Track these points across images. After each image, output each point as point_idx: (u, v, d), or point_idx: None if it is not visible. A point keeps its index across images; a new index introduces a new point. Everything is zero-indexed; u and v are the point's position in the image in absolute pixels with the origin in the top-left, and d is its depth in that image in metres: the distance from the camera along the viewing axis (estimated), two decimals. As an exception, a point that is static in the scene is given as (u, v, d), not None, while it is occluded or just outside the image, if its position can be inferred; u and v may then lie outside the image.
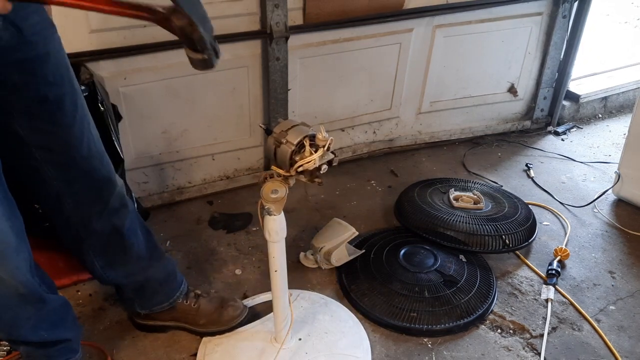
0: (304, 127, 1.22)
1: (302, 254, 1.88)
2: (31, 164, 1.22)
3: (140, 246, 1.46)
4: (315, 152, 1.20)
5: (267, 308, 1.67)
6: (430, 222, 1.95)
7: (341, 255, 1.81)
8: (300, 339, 1.56)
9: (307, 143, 1.20)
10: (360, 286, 1.75)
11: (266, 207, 1.25)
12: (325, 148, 1.21)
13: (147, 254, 1.48)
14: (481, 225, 1.92)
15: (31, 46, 1.10)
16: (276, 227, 1.30)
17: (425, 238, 1.93)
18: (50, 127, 1.18)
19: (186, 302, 1.57)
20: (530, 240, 1.96)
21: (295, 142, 1.20)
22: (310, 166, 1.20)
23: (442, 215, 1.97)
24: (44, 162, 1.22)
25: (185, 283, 1.60)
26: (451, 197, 2.08)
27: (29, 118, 1.15)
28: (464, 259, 1.85)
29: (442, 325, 1.62)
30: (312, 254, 1.86)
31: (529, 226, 1.98)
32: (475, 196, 2.09)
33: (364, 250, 1.86)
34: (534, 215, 2.07)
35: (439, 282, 1.74)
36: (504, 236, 1.90)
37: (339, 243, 1.80)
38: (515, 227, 1.94)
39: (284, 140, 1.21)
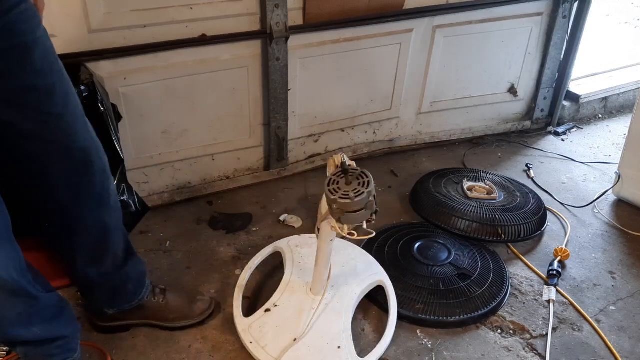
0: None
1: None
2: (26, 155, 1.22)
3: (120, 246, 1.47)
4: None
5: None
6: (447, 213, 2.01)
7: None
8: (332, 285, 1.63)
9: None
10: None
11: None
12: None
13: (123, 254, 1.49)
14: (497, 215, 1.98)
15: (15, 34, 1.08)
16: None
17: (442, 228, 1.99)
18: (42, 117, 1.17)
19: (154, 298, 1.58)
20: (542, 229, 2.04)
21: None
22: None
23: (458, 206, 2.02)
24: (39, 152, 1.22)
25: (149, 280, 1.61)
26: (465, 187, 2.11)
27: (18, 107, 1.14)
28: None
29: (457, 318, 1.64)
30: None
31: (541, 216, 2.06)
32: (488, 186, 2.14)
33: None
34: (544, 204, 2.14)
35: (453, 275, 1.75)
36: (518, 226, 1.97)
37: None
38: (530, 217, 2.02)
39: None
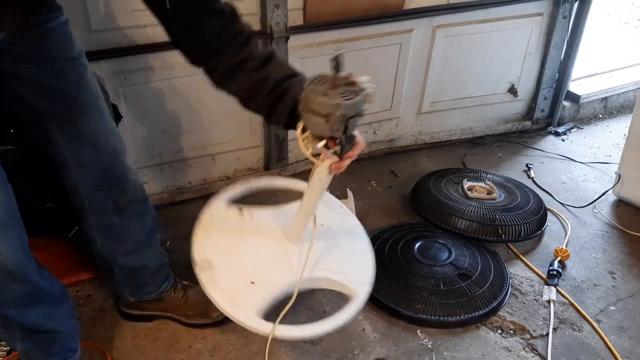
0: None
1: None
2: (43, 130, 1.29)
3: (141, 233, 1.50)
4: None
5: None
6: (447, 213, 2.02)
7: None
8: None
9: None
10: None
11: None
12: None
13: (143, 241, 1.52)
14: (497, 215, 1.98)
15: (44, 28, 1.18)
16: None
17: (442, 228, 1.99)
18: (56, 95, 1.24)
19: (174, 293, 1.62)
20: (542, 229, 2.05)
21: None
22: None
23: (458, 206, 2.03)
24: (54, 128, 1.28)
25: (173, 275, 1.63)
26: (465, 187, 2.12)
27: (40, 86, 1.22)
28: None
29: (457, 318, 1.64)
30: None
31: (541, 216, 2.07)
32: (488, 186, 2.15)
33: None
34: (544, 204, 2.14)
35: (453, 275, 1.75)
36: (518, 226, 1.97)
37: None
38: (530, 217, 2.02)
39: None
